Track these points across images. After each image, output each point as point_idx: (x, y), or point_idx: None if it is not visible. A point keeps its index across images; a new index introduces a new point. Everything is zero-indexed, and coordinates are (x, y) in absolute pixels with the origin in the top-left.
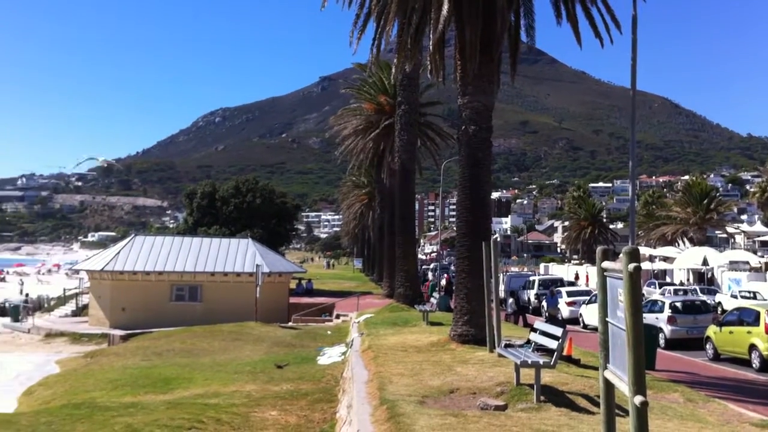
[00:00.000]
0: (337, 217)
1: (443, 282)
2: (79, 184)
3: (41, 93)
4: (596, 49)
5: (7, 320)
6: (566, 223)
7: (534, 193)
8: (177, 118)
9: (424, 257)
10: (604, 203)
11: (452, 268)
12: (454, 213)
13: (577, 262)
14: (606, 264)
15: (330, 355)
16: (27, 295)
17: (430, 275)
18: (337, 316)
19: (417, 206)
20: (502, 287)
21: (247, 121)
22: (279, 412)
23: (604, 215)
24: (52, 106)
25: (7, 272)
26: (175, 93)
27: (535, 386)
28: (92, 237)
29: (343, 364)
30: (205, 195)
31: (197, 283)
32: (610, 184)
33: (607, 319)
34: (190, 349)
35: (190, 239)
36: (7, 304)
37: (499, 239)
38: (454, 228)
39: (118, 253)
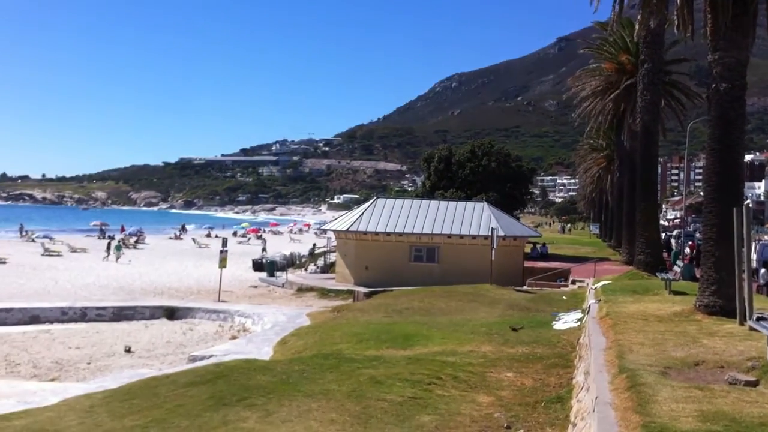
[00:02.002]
0: (573, 181)
1: (687, 250)
2: (326, 149)
3: (295, 65)
4: None
5: (263, 275)
6: None
7: None
8: (415, 84)
9: (666, 223)
10: None
11: (698, 235)
12: (700, 177)
13: None
14: None
15: (565, 321)
16: (315, 244)
17: (672, 242)
18: (573, 282)
19: (659, 170)
20: (753, 256)
21: (482, 85)
22: (514, 374)
23: None
24: (304, 74)
25: (264, 231)
26: (412, 61)
27: None
28: (338, 199)
29: (579, 330)
30: (442, 159)
31: (434, 245)
32: None
33: None
34: (428, 308)
35: (428, 202)
36: (264, 260)
37: (751, 205)
38: (701, 193)
39: (362, 214)
